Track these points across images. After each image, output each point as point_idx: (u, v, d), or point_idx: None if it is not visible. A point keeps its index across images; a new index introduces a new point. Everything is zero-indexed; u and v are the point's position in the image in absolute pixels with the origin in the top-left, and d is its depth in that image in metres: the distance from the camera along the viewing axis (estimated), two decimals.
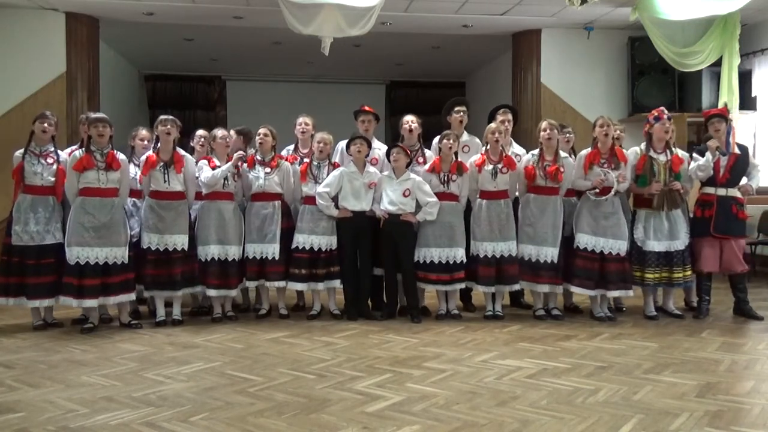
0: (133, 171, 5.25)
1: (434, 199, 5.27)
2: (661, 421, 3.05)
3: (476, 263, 5.32)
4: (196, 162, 5.37)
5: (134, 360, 4.13)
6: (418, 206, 5.33)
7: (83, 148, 4.93)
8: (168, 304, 5.30)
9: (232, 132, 5.67)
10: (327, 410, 3.19)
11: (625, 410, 3.20)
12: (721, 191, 5.31)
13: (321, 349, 4.43)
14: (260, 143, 5.40)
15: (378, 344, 4.57)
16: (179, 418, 3.08)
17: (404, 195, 5.27)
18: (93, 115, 5.08)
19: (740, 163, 5.37)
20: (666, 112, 5.33)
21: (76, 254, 4.80)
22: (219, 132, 5.41)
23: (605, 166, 5.25)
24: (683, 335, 4.84)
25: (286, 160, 5.56)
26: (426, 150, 5.67)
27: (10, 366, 4.00)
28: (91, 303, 4.88)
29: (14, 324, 5.23)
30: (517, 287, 5.43)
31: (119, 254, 4.91)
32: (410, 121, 5.59)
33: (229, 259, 5.27)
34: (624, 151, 5.46)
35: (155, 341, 4.66)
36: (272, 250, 5.32)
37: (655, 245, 5.26)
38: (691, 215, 5.52)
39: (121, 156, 5.02)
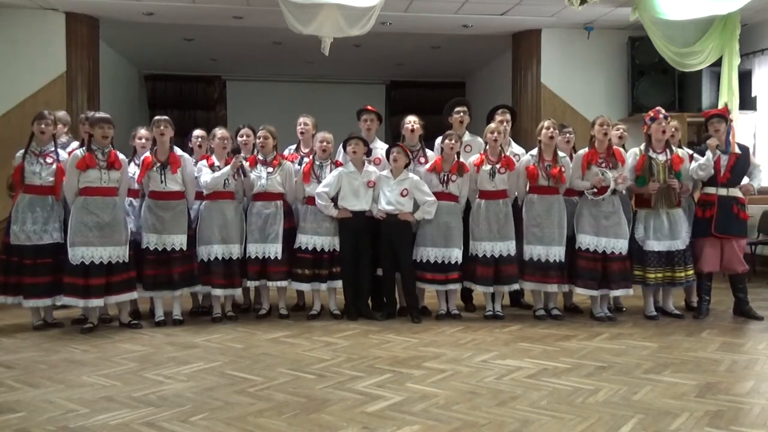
0: (133, 170, 5.27)
1: (432, 198, 5.28)
2: (661, 421, 3.05)
3: (475, 263, 5.33)
4: (196, 162, 5.38)
5: (134, 360, 4.13)
6: (416, 206, 5.33)
7: (84, 147, 4.94)
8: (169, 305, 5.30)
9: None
10: (327, 410, 3.19)
11: (625, 410, 3.20)
12: (722, 191, 5.31)
13: (321, 349, 4.43)
14: (261, 145, 5.40)
15: (378, 344, 4.57)
16: (179, 418, 3.08)
17: (402, 195, 5.27)
18: (97, 114, 5.08)
19: (741, 163, 5.36)
20: (662, 111, 5.32)
21: (80, 254, 4.80)
22: (219, 132, 5.41)
23: (603, 165, 5.25)
24: (683, 335, 4.84)
25: (287, 159, 5.57)
26: (428, 150, 5.67)
27: (10, 366, 4.00)
28: (96, 302, 4.90)
29: (14, 324, 5.23)
30: (516, 287, 5.43)
31: (121, 253, 4.92)
32: (412, 121, 5.59)
33: (234, 258, 5.28)
34: (623, 151, 5.47)
35: (155, 341, 4.66)
36: (274, 249, 5.32)
37: (654, 245, 5.26)
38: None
39: (121, 156, 5.04)
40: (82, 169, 4.83)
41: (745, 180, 5.41)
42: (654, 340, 4.69)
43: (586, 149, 5.35)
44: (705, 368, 3.95)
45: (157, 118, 5.20)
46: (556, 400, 3.36)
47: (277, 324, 5.25)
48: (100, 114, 5.05)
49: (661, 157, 5.28)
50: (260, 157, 5.42)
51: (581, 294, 5.39)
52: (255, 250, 5.32)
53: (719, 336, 4.81)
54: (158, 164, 5.09)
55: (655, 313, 5.43)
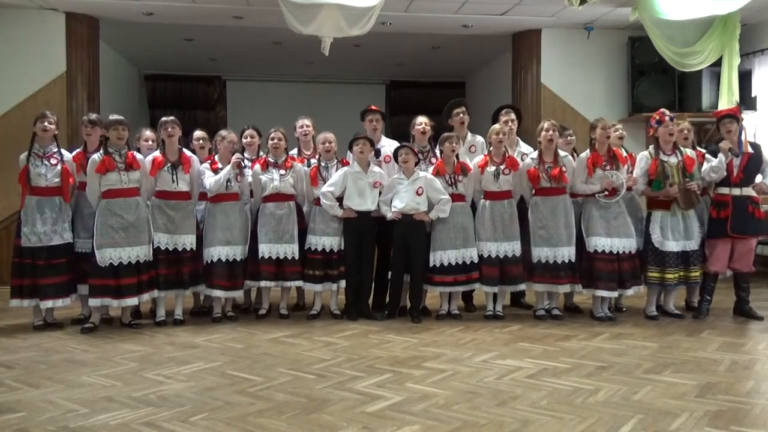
0: None
1: (446, 196, 5.28)
2: (661, 421, 3.05)
3: (480, 263, 5.33)
4: (201, 163, 5.40)
5: (134, 360, 4.13)
6: (429, 206, 5.33)
7: (101, 151, 4.93)
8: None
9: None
10: (327, 410, 3.20)
11: (625, 410, 3.20)
12: (736, 191, 5.29)
13: (321, 349, 4.43)
14: (275, 147, 5.39)
15: (378, 344, 4.57)
16: (179, 418, 3.08)
17: (417, 194, 5.27)
18: (111, 117, 5.06)
19: (754, 162, 5.33)
20: (668, 113, 5.31)
21: (108, 256, 4.83)
22: (228, 135, 5.42)
23: (607, 168, 5.25)
24: (683, 335, 4.84)
25: (296, 161, 5.57)
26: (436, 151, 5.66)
27: (10, 366, 4.01)
28: (131, 302, 4.95)
29: (14, 324, 5.23)
30: (521, 287, 5.44)
31: (147, 252, 4.97)
32: (424, 123, 5.60)
33: (237, 260, 5.28)
34: (622, 151, 5.46)
35: (155, 341, 4.66)
36: (291, 250, 5.32)
37: (673, 245, 5.25)
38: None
39: (139, 156, 5.07)
40: (102, 172, 4.86)
41: (759, 178, 5.35)
42: (654, 340, 4.69)
43: (588, 152, 5.34)
44: (705, 368, 3.95)
45: (164, 119, 5.21)
46: (556, 400, 3.36)
47: (277, 324, 5.25)
48: (115, 116, 5.04)
49: (672, 160, 5.27)
50: (271, 159, 5.40)
51: (605, 296, 5.33)
52: (269, 250, 5.30)
53: (719, 336, 4.81)
54: (169, 164, 5.10)
55: (655, 313, 5.43)
